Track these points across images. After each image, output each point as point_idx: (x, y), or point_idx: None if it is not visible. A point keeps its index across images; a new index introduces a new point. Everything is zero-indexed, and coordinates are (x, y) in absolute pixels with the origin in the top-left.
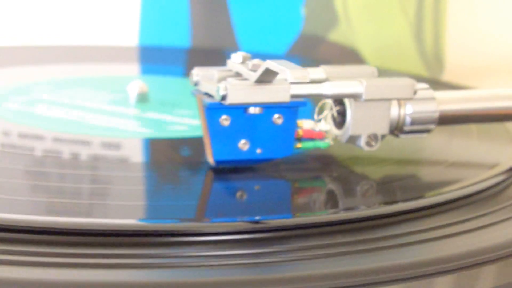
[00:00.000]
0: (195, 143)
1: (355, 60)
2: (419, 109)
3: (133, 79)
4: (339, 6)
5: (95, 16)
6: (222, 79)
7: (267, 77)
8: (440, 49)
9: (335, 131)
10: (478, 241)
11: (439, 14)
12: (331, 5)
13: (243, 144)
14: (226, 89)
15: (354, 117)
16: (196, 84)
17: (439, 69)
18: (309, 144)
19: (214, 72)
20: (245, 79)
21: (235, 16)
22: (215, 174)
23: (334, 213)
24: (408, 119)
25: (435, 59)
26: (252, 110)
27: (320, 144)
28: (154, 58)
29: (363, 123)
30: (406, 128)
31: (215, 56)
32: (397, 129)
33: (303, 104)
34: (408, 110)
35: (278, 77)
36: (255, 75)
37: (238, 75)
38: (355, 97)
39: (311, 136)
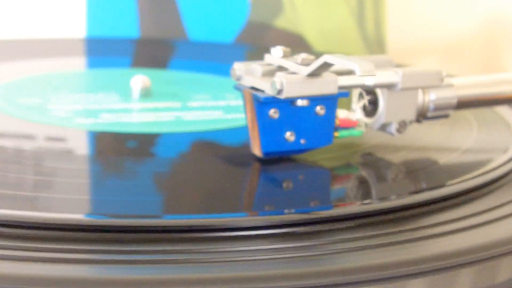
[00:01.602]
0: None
1: (301, 45)
2: (441, 96)
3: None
4: None
5: (40, 9)
6: (267, 73)
7: (320, 70)
8: (381, 33)
9: (364, 119)
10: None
11: (379, 0)
12: None
13: (289, 136)
14: (282, 83)
15: (387, 106)
16: (238, 78)
17: (381, 52)
18: (345, 133)
19: (256, 66)
20: (293, 72)
21: (183, 6)
22: (253, 167)
23: (377, 202)
24: (431, 106)
25: (377, 42)
26: (300, 102)
27: (355, 132)
28: (102, 50)
29: (394, 111)
30: (430, 114)
31: (163, 46)
32: (421, 115)
33: (346, 94)
34: (432, 97)
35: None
36: (309, 69)
37: (281, 69)
38: (391, 86)
39: (347, 125)
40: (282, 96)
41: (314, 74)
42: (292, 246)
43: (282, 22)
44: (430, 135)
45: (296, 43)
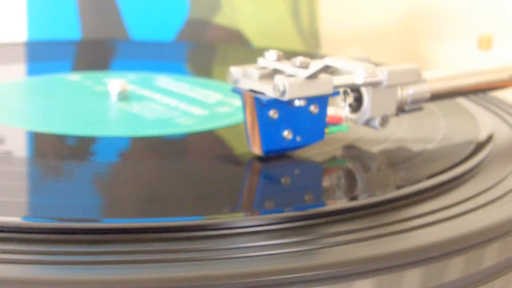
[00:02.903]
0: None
1: (240, 41)
2: (417, 90)
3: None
4: None
5: None
6: (264, 76)
7: (319, 73)
8: (315, 26)
9: (350, 115)
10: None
11: None
12: None
13: (287, 134)
14: (284, 85)
15: (371, 102)
16: (236, 82)
17: (316, 44)
18: (334, 129)
19: (253, 70)
20: (291, 75)
21: (123, 6)
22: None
23: (368, 196)
24: (409, 100)
25: (312, 35)
26: (298, 102)
27: (343, 127)
28: (44, 54)
29: (378, 107)
30: (407, 108)
31: (106, 47)
32: (399, 109)
33: (337, 93)
34: (410, 92)
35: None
36: (309, 71)
37: (276, 71)
38: (378, 84)
39: (335, 121)
40: (285, 97)
41: (312, 76)
42: (280, 242)
43: (221, 18)
44: (404, 128)
45: (235, 39)
